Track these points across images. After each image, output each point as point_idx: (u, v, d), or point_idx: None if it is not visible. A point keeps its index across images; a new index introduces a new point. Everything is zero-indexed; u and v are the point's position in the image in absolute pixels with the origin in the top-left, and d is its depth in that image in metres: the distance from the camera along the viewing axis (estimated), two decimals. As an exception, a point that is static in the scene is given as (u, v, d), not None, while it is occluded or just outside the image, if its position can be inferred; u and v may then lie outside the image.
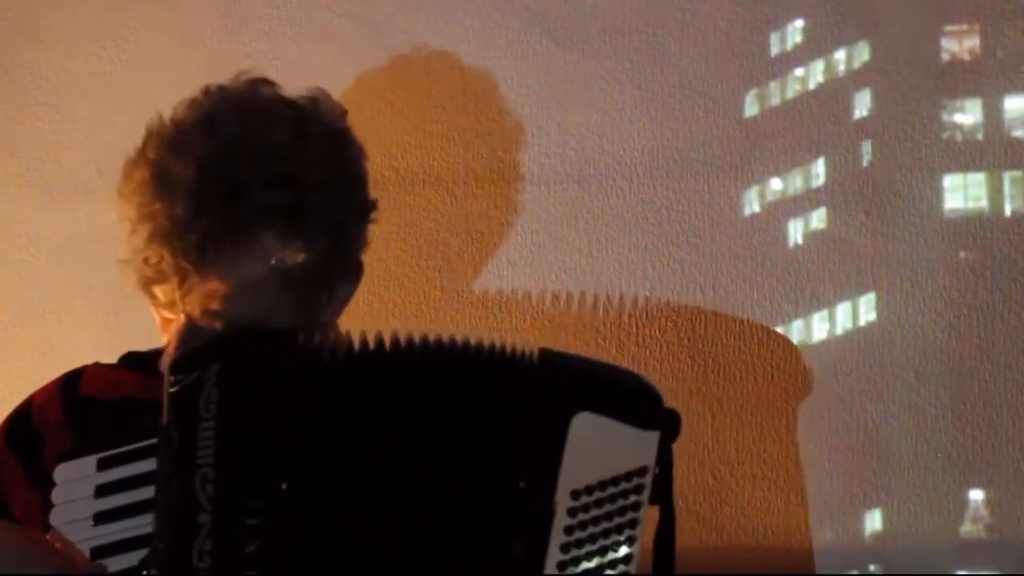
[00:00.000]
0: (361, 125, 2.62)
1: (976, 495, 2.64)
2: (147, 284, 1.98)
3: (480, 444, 1.87)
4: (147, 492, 1.87)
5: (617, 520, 1.87)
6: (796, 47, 2.70)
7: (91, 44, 2.80)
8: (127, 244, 1.98)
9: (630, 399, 1.89)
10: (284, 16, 2.79)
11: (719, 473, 2.60)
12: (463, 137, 2.73)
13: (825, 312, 2.66)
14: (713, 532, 2.61)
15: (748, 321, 2.66)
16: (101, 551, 1.89)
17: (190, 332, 1.98)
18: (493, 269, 2.72)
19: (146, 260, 1.96)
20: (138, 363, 2.08)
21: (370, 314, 2.66)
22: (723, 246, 2.69)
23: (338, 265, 2.03)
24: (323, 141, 2.00)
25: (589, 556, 1.86)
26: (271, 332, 1.96)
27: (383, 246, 2.70)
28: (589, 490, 1.86)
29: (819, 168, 2.69)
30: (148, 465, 1.87)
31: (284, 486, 1.83)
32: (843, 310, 2.66)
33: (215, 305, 1.97)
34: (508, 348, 1.89)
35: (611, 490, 1.87)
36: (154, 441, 1.86)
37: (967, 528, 2.64)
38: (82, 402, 2.07)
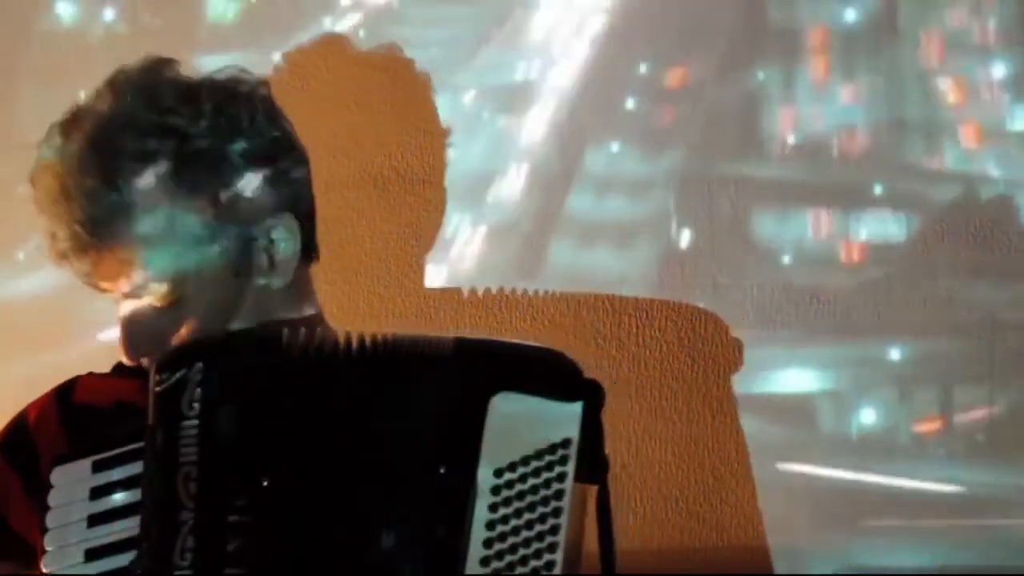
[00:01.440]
0: (361, 125, 2.62)
1: (976, 494, 2.65)
2: (60, 261, 2.00)
3: (403, 434, 1.87)
4: (140, 494, 1.87)
5: (543, 492, 1.85)
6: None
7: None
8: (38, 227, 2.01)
9: (547, 374, 1.88)
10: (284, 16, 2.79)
11: (719, 473, 2.60)
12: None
13: (824, 311, 2.67)
14: (713, 532, 2.61)
15: (747, 321, 2.66)
16: (95, 552, 1.89)
17: (131, 310, 2.01)
18: (493, 269, 2.73)
19: (53, 236, 1.98)
20: (131, 370, 2.06)
21: (370, 314, 2.66)
22: (724, 246, 2.69)
23: (253, 217, 2.02)
24: (210, 97, 2.00)
25: (516, 531, 1.84)
26: (255, 332, 1.98)
27: (383, 246, 2.72)
28: (512, 467, 1.85)
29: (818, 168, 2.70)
30: (141, 467, 1.87)
31: (265, 483, 1.84)
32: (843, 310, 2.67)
33: (133, 272, 1.98)
34: (422, 340, 1.90)
35: (535, 464, 1.86)
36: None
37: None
38: (77, 410, 2.08)
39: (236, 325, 2.02)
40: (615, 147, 2.72)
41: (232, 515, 1.83)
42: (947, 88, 2.66)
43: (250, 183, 2.00)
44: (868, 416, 2.67)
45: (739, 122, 2.70)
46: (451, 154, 2.72)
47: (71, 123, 2.00)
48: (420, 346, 1.91)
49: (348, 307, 2.51)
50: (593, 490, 1.88)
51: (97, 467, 1.91)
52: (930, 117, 2.68)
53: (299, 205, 2.06)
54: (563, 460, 1.86)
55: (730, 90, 2.70)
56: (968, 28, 2.66)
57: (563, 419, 1.86)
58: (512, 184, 2.74)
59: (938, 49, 2.67)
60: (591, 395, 1.88)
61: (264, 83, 2.08)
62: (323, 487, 1.86)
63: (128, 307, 2.01)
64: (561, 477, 1.86)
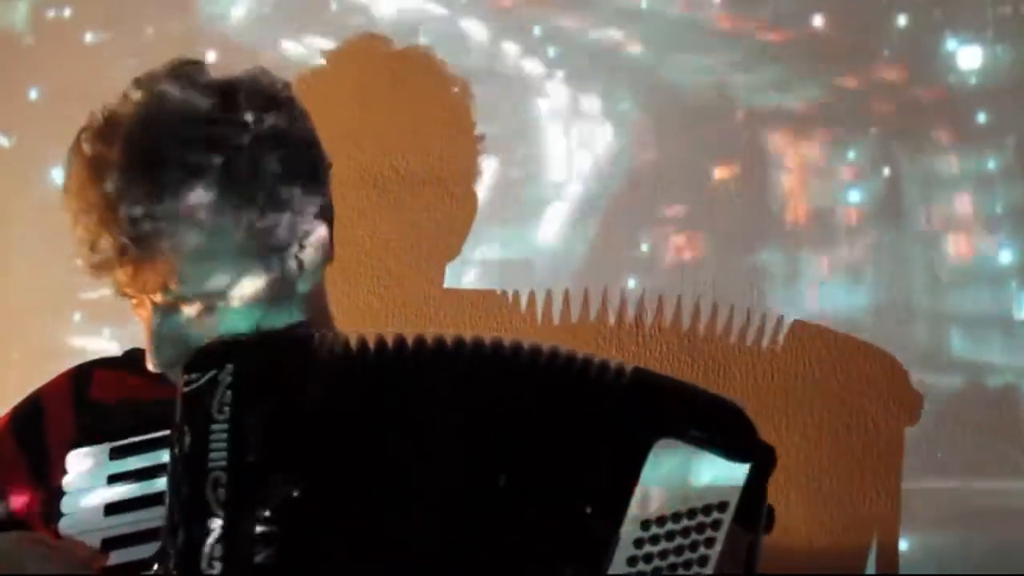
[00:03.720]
0: (361, 125, 2.61)
1: (976, 494, 2.64)
2: (97, 272, 1.95)
3: (545, 461, 1.79)
4: (159, 484, 1.85)
5: (687, 555, 1.77)
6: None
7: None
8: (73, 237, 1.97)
9: (720, 427, 1.79)
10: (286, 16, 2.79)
11: None
12: (463, 137, 2.72)
13: (825, 312, 2.67)
14: None
15: (748, 321, 2.65)
16: (112, 543, 1.88)
17: (162, 318, 1.96)
18: (493, 269, 2.72)
19: (91, 247, 1.94)
20: (141, 364, 2.03)
21: (370, 314, 2.65)
22: (723, 246, 2.69)
23: (294, 227, 1.98)
24: (250, 105, 1.97)
25: None
26: (286, 333, 1.95)
27: (383, 246, 2.70)
28: (661, 521, 1.77)
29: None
30: (160, 456, 1.86)
31: (296, 493, 1.79)
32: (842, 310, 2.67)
33: (173, 284, 1.94)
34: (597, 362, 1.82)
35: (685, 523, 1.77)
36: (166, 432, 1.84)
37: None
38: (92, 405, 2.05)
39: (261, 326, 1.97)
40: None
41: (262, 525, 1.78)
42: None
43: (291, 192, 1.97)
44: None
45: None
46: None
47: (106, 131, 1.95)
48: (590, 367, 1.82)
49: (348, 307, 2.48)
50: None
51: (115, 454, 1.89)
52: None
53: (328, 211, 2.04)
54: (715, 524, 1.77)
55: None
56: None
57: (725, 480, 1.77)
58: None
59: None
60: (761, 459, 1.79)
61: (287, 85, 2.05)
62: (382, 503, 1.79)
63: (158, 316, 1.97)
64: (709, 542, 1.77)
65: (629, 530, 1.76)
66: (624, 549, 1.76)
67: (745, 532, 1.79)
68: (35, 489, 2.00)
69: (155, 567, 1.84)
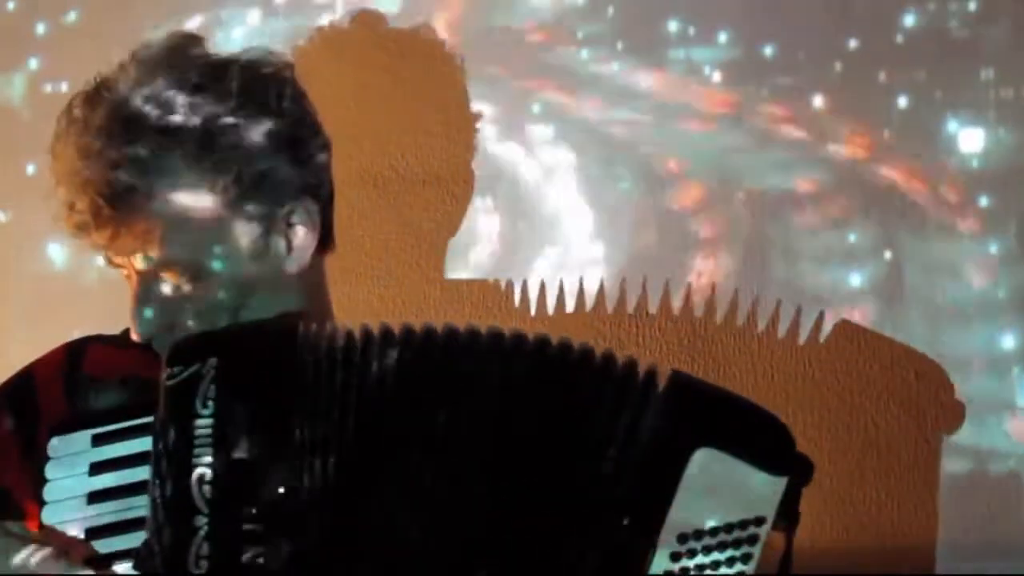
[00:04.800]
0: (361, 125, 2.61)
1: (975, 494, 2.61)
2: (77, 233, 1.96)
3: (578, 469, 1.75)
4: (142, 472, 1.82)
5: (723, 570, 1.73)
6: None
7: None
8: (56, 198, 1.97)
9: (760, 439, 1.75)
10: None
11: None
12: (462, 137, 2.72)
13: (825, 312, 2.64)
14: None
15: (748, 321, 2.63)
16: (95, 532, 1.84)
17: (145, 287, 1.96)
18: (493, 269, 2.70)
19: (71, 207, 1.94)
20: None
21: (370, 313, 2.62)
22: (723, 246, 2.67)
23: (275, 199, 1.98)
24: (240, 77, 1.98)
25: None
26: (270, 325, 1.92)
27: (383, 246, 2.69)
28: (698, 535, 1.73)
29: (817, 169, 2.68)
30: (143, 444, 1.83)
31: (282, 491, 1.76)
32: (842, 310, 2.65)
33: (153, 250, 1.94)
34: (625, 361, 1.78)
35: (722, 537, 1.73)
36: (150, 419, 1.82)
37: (967, 527, 2.61)
38: (83, 380, 2.03)
39: (249, 310, 1.96)
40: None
41: (247, 524, 1.75)
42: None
43: (274, 164, 1.97)
44: None
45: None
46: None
47: (94, 95, 1.97)
48: (630, 369, 1.78)
49: (348, 307, 2.47)
50: None
51: (97, 440, 1.87)
52: None
53: (320, 190, 2.03)
54: (752, 539, 1.74)
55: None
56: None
57: (764, 493, 1.74)
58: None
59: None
60: (799, 472, 1.76)
61: (289, 65, 2.05)
62: (383, 499, 1.76)
63: (140, 285, 1.97)
64: (746, 558, 1.74)
65: (666, 543, 1.72)
66: (660, 563, 1.72)
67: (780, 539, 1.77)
68: (25, 468, 1.96)
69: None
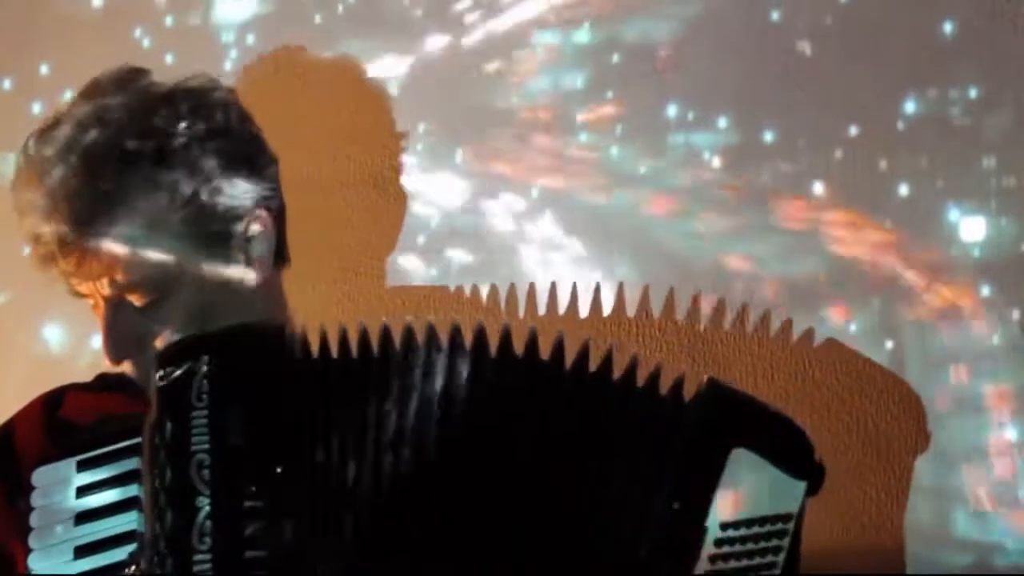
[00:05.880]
0: (362, 125, 2.59)
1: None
2: (44, 265, 2.05)
3: (629, 463, 1.87)
4: (129, 490, 1.88)
5: (758, 560, 1.88)
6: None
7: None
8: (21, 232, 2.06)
9: (788, 445, 1.90)
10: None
11: None
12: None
13: (824, 311, 2.63)
14: None
15: (748, 321, 2.62)
16: (84, 550, 1.89)
17: (114, 311, 2.05)
18: (493, 268, 2.70)
19: (36, 240, 2.04)
20: (114, 383, 2.12)
21: (370, 314, 2.61)
22: (723, 246, 2.65)
23: (231, 214, 2.08)
24: (186, 101, 2.08)
25: None
26: (257, 326, 1.99)
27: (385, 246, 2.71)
28: (737, 525, 1.87)
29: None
30: (129, 464, 1.88)
31: (279, 470, 1.83)
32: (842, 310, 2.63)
33: (118, 274, 2.03)
34: (661, 374, 1.89)
35: (756, 529, 1.88)
36: (135, 441, 1.87)
37: (966, 528, 2.58)
38: (62, 424, 2.10)
39: (214, 323, 2.02)
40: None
41: (248, 500, 1.83)
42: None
43: (227, 179, 2.07)
44: None
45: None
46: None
47: (51, 128, 2.05)
48: (654, 376, 1.89)
49: (348, 307, 2.47)
50: None
51: (82, 466, 1.91)
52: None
53: (273, 203, 2.13)
54: (781, 534, 1.89)
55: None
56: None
57: (790, 493, 1.89)
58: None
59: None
60: (816, 477, 1.92)
61: (232, 91, 2.16)
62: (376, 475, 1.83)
63: (109, 309, 2.05)
64: (776, 550, 1.89)
65: (711, 529, 1.87)
66: (707, 547, 1.87)
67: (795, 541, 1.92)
68: (11, 512, 1.99)
69: (132, 568, 1.87)
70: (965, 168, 2.60)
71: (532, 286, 2.64)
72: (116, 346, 2.05)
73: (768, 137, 2.67)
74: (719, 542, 1.87)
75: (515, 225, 2.74)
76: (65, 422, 2.10)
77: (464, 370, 1.85)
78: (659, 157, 2.70)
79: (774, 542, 1.89)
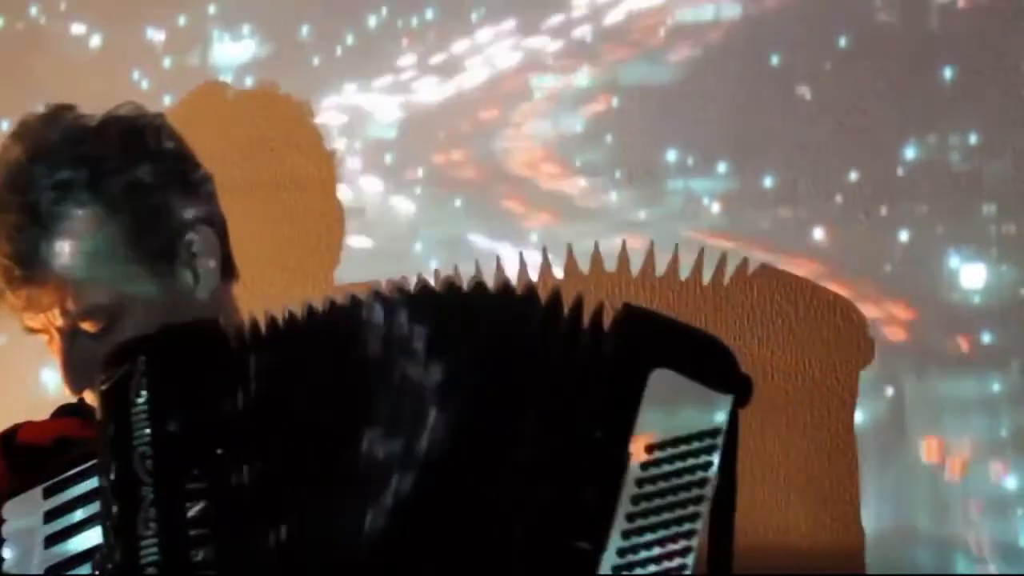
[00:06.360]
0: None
1: (974, 494, 2.58)
2: None
3: (546, 393, 1.86)
4: (93, 508, 1.91)
5: (687, 478, 1.85)
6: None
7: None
8: None
9: (708, 360, 1.88)
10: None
11: None
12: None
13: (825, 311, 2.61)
14: None
15: (748, 320, 2.62)
16: (56, 568, 1.92)
17: (69, 342, 2.10)
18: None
19: None
20: (70, 411, 2.18)
21: None
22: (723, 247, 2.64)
23: (173, 232, 2.13)
24: (118, 128, 2.13)
25: (658, 511, 1.84)
26: (192, 324, 2.01)
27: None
28: (662, 446, 1.84)
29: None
30: (91, 484, 1.91)
31: (220, 451, 1.87)
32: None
33: (69, 303, 2.07)
34: (574, 299, 1.89)
35: (683, 448, 1.85)
36: (95, 461, 1.90)
37: (965, 528, 2.57)
38: (20, 450, 2.15)
39: None
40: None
41: (190, 483, 1.85)
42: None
43: (165, 198, 2.12)
44: None
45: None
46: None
47: None
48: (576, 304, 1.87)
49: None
50: None
51: (48, 492, 1.94)
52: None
53: (214, 218, 2.18)
54: (710, 449, 1.86)
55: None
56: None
57: (715, 408, 1.86)
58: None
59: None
60: (742, 389, 1.88)
61: (160, 115, 2.21)
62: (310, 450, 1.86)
63: (64, 340, 2.09)
64: (707, 466, 1.85)
65: (635, 453, 1.85)
66: (633, 471, 1.84)
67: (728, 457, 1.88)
68: None
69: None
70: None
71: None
72: (75, 376, 2.10)
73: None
74: (645, 465, 1.84)
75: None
76: (24, 447, 2.15)
77: (395, 324, 1.87)
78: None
79: (703, 458, 1.85)
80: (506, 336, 1.89)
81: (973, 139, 2.60)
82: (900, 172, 2.62)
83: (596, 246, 2.66)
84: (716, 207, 2.68)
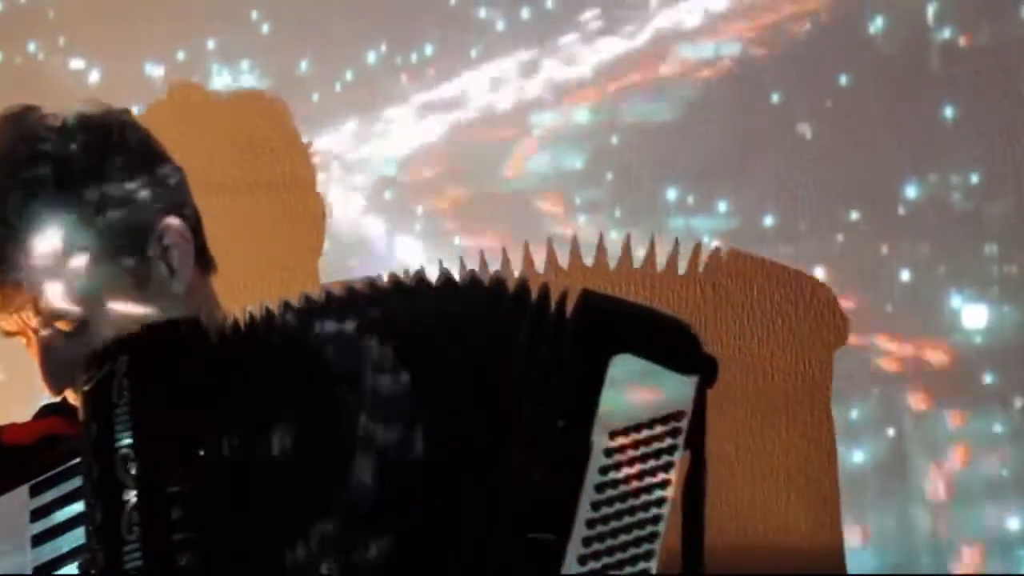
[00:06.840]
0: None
1: (973, 495, 2.57)
2: None
3: (505, 384, 1.85)
4: (79, 506, 1.90)
5: (652, 463, 1.83)
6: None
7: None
8: None
9: (670, 342, 1.86)
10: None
11: (719, 473, 2.50)
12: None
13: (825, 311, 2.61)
14: (713, 532, 2.50)
15: (748, 321, 2.61)
16: (43, 568, 1.91)
17: (46, 343, 2.09)
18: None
19: None
20: (55, 411, 2.16)
21: None
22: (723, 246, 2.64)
23: (139, 221, 2.11)
24: (79, 122, 2.13)
25: (624, 497, 1.82)
26: (173, 322, 2.00)
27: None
28: (626, 431, 1.83)
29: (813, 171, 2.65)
30: (79, 480, 1.90)
31: (201, 452, 1.85)
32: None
33: (43, 304, 2.06)
34: (542, 289, 1.88)
35: (647, 432, 1.83)
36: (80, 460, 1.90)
37: (967, 569, 2.57)
38: (5, 451, 2.13)
39: None
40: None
41: (172, 486, 1.84)
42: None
43: (132, 189, 2.10)
44: None
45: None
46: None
47: None
48: (542, 292, 1.87)
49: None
50: None
51: (35, 491, 1.93)
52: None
53: (184, 209, 2.16)
54: (674, 432, 1.84)
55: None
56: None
57: (678, 391, 1.84)
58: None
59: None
60: (706, 370, 1.86)
61: (127, 111, 2.21)
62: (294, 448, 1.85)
63: (42, 341, 2.09)
64: (672, 449, 1.84)
65: (598, 441, 1.83)
66: (596, 459, 1.82)
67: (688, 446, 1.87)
68: None
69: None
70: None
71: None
72: (54, 377, 2.09)
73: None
74: (609, 452, 1.83)
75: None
76: (9, 448, 2.13)
77: (367, 319, 1.86)
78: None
79: (668, 442, 1.83)
80: (472, 326, 1.88)
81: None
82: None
83: (601, 238, 2.66)
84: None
